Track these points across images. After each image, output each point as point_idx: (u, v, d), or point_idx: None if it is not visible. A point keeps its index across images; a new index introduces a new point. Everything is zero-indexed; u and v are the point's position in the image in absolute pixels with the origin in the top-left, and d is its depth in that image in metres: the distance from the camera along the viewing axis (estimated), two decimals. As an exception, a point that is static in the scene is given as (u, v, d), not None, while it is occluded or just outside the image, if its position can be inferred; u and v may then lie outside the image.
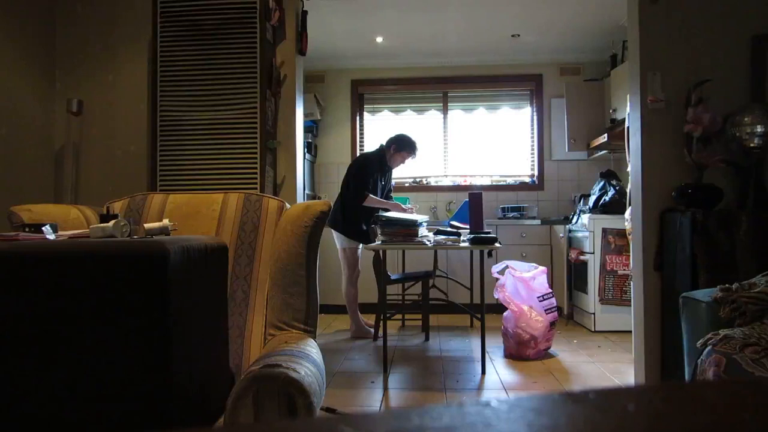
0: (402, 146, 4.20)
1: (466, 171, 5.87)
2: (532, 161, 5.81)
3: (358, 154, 5.85)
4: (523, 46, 5.39)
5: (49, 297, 1.02)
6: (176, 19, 2.90)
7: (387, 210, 3.94)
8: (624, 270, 4.16)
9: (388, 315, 3.77)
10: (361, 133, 5.97)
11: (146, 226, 1.35)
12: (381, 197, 4.20)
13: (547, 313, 3.47)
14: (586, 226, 4.38)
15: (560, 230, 4.94)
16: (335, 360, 3.52)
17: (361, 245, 4.14)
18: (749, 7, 2.67)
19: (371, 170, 4.13)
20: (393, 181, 4.52)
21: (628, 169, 2.98)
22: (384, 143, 4.25)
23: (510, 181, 5.81)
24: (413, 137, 4.25)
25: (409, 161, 4.30)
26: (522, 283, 3.52)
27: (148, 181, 2.93)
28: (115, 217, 1.36)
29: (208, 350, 1.26)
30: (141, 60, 2.99)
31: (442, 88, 5.88)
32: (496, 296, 3.55)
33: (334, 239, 4.21)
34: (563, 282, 4.82)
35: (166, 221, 1.39)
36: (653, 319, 2.69)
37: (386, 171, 4.30)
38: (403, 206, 4.17)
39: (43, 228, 1.32)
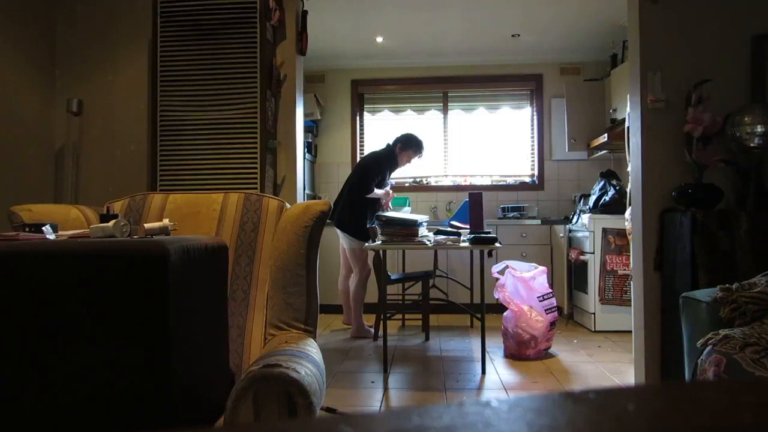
0: (408, 145, 4.21)
1: (466, 171, 5.87)
2: (532, 161, 5.81)
3: (358, 154, 5.86)
4: (523, 46, 5.39)
5: (48, 297, 1.02)
6: (176, 19, 2.90)
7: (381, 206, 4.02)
8: (624, 270, 4.16)
9: (388, 315, 3.77)
10: (361, 133, 5.97)
11: (146, 226, 1.35)
12: None
13: (547, 313, 3.47)
14: (586, 226, 4.38)
15: (560, 230, 4.94)
16: (335, 360, 3.52)
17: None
18: (749, 7, 2.67)
19: (381, 169, 4.16)
20: (393, 181, 4.52)
21: (628, 169, 2.98)
22: (391, 142, 4.26)
23: (510, 181, 5.81)
24: (419, 136, 4.26)
25: (415, 160, 4.32)
26: (522, 283, 3.52)
27: (148, 181, 2.93)
28: (115, 217, 1.36)
29: (208, 350, 1.26)
30: (141, 60, 2.99)
31: (442, 88, 5.88)
32: (496, 296, 3.55)
33: (341, 240, 4.21)
34: (563, 282, 4.82)
35: (166, 221, 1.39)
36: (653, 319, 2.69)
37: (394, 169, 4.31)
38: (388, 191, 4.26)
39: (43, 228, 1.32)
